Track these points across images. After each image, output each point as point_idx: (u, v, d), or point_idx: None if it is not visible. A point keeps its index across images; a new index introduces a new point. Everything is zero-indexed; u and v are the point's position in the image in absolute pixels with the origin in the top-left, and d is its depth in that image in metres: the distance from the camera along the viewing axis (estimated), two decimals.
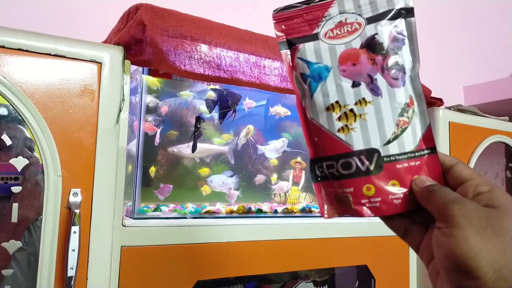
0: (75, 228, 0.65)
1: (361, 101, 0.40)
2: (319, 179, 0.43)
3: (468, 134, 1.21)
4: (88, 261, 0.69)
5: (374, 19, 0.41)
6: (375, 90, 0.40)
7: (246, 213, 0.95)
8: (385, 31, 0.40)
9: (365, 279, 1.18)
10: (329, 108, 0.41)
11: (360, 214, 0.40)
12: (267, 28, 0.97)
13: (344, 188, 0.40)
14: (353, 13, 0.41)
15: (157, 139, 0.91)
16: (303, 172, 1.11)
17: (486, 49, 2.20)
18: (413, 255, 1.18)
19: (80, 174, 0.69)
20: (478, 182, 0.36)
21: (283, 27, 0.43)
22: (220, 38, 0.91)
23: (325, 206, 0.42)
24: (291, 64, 0.44)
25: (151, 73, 0.88)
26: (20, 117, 0.65)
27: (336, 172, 0.41)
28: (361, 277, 1.18)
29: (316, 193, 0.43)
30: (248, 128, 1.04)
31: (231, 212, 0.93)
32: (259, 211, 0.96)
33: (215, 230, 0.87)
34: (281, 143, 1.08)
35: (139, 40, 0.81)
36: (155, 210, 0.86)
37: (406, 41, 0.40)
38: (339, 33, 0.41)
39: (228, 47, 0.91)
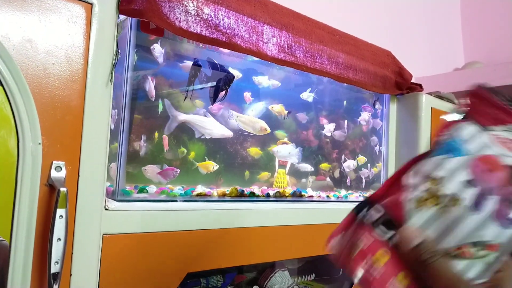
0: (61, 212, 0.51)
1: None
2: (359, 216, 0.40)
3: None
4: (72, 253, 0.55)
5: None
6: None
7: (239, 196, 0.84)
8: None
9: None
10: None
11: (351, 270, 0.37)
12: None
13: (372, 239, 0.38)
14: None
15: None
16: None
17: (434, 44, 2.27)
18: None
19: (64, 142, 0.54)
20: None
21: (477, 103, 0.41)
22: None
23: (337, 238, 0.40)
24: (445, 124, 0.41)
25: (141, 27, 0.73)
26: None
27: (380, 224, 0.38)
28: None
29: (346, 220, 0.41)
30: (266, 130, 0.97)
31: (224, 195, 0.82)
32: (252, 194, 0.86)
33: (207, 216, 0.76)
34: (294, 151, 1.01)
35: None
36: (139, 191, 0.73)
37: None
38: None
39: (226, 6, 0.79)
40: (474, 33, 2.42)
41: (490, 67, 2.03)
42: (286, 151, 0.99)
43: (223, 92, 0.89)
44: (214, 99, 0.89)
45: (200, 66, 0.87)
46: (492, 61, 2.26)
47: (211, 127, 0.88)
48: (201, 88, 0.91)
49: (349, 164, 1.14)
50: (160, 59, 0.80)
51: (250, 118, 0.95)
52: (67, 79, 0.54)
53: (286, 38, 0.89)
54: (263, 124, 0.96)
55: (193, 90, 0.86)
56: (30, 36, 0.52)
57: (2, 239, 0.52)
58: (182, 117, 0.85)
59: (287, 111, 1.02)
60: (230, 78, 0.90)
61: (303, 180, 1.10)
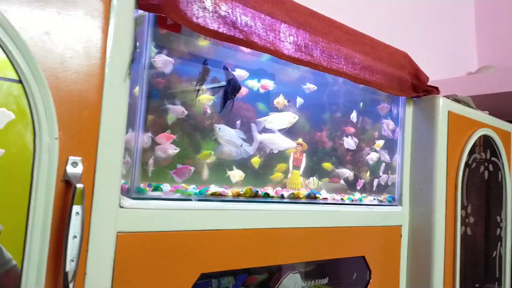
0: (77, 208, 0.49)
1: None
2: None
3: (463, 124, 1.19)
4: (87, 251, 0.53)
5: None
6: None
7: (254, 196, 0.83)
8: None
9: (355, 271, 1.12)
10: None
11: None
12: None
13: None
14: None
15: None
16: (304, 155, 1.01)
17: (448, 48, 2.25)
18: (404, 247, 1.14)
19: (81, 137, 0.53)
20: None
21: None
22: None
23: None
24: None
25: (158, 23, 0.72)
26: (5, 54, 0.47)
27: None
28: (355, 268, 1.12)
29: None
30: (295, 118, 0.97)
31: (238, 195, 0.81)
32: (266, 195, 0.85)
33: (222, 215, 0.74)
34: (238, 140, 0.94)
35: None
36: (154, 189, 0.71)
37: None
38: None
39: (244, 3, 0.78)
40: (488, 37, 2.39)
41: (504, 71, 2.00)
42: (229, 135, 0.84)
43: (230, 102, 0.87)
44: (221, 107, 0.87)
45: (209, 68, 0.85)
46: (506, 66, 2.23)
47: (278, 141, 0.94)
48: (212, 88, 0.90)
49: (372, 157, 1.14)
50: (167, 69, 0.77)
51: (276, 115, 0.95)
52: (84, 73, 0.53)
53: (303, 37, 0.88)
54: (290, 114, 0.97)
55: (202, 90, 0.85)
56: (48, 28, 0.51)
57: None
58: (259, 137, 0.91)
59: (286, 100, 1.00)
60: (238, 87, 0.88)
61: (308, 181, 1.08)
